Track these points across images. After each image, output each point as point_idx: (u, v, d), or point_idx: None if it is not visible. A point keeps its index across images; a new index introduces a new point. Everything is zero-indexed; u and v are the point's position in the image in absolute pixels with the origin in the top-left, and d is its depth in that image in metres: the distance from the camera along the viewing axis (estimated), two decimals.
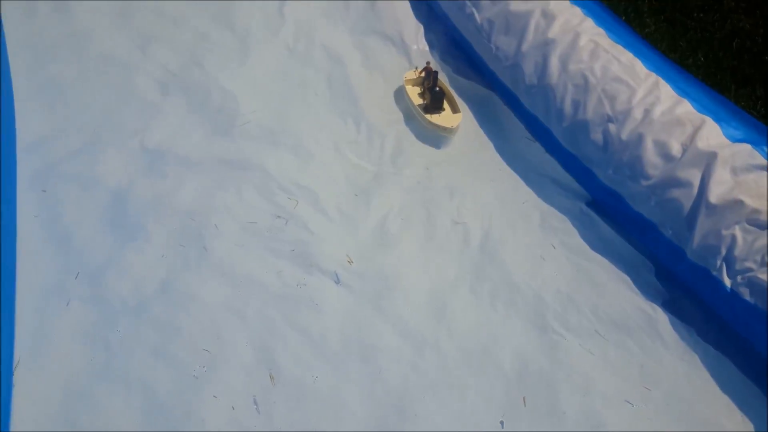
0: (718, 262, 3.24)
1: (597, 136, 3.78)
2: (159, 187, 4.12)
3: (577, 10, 4.16)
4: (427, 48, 5.09)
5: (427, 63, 4.52)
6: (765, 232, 3.11)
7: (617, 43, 3.96)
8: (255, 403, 3.21)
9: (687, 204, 3.37)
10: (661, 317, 3.50)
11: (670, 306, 3.55)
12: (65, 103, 4.56)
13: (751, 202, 3.16)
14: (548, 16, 4.19)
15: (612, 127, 3.71)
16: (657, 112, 3.58)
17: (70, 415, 3.13)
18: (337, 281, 3.66)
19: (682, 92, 3.63)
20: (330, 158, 4.35)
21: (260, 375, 3.31)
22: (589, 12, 4.16)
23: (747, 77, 4.72)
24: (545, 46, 4.12)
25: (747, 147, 3.30)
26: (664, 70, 3.80)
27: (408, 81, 4.60)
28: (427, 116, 4.35)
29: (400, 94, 4.75)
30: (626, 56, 3.85)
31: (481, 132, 4.51)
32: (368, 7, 5.38)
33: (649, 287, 3.65)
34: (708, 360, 3.34)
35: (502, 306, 3.63)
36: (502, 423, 3.14)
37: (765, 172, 3.22)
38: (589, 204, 4.02)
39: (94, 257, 3.77)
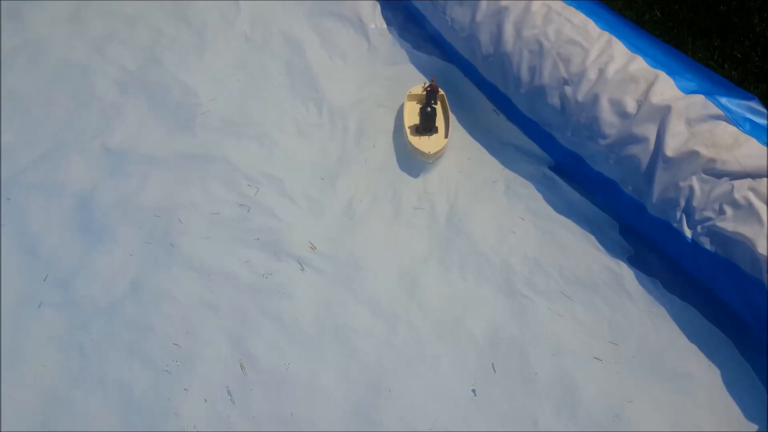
0: (678, 214, 3.26)
1: (554, 100, 3.78)
2: (123, 187, 4.11)
3: None
4: (384, 26, 5.06)
5: (432, 80, 4.26)
6: (721, 180, 3.13)
7: (569, 4, 3.94)
8: (229, 393, 3.24)
9: (644, 159, 3.39)
10: (626, 273, 3.53)
11: (635, 261, 3.58)
12: (25, 113, 4.53)
13: (706, 152, 3.18)
14: None
15: (568, 89, 3.72)
16: (611, 70, 3.58)
17: (51, 422, 3.16)
18: (302, 268, 3.67)
19: (636, 48, 3.62)
20: (294, 144, 4.34)
21: (234, 366, 3.34)
22: None
23: (703, 28, 4.72)
24: (498, 14, 4.10)
25: (701, 98, 3.30)
26: (617, 28, 3.78)
27: (411, 96, 4.39)
28: (410, 137, 4.12)
29: (361, 77, 4.72)
30: (579, 17, 3.84)
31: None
32: None
33: (614, 245, 3.67)
34: (674, 311, 3.38)
35: (472, 276, 3.65)
36: (474, 391, 3.18)
37: (719, 121, 3.23)
38: (552, 168, 4.03)
39: (63, 262, 3.77)
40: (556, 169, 4.00)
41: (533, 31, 3.91)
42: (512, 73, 3.99)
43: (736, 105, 3.28)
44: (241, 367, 3.28)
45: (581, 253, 3.66)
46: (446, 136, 4.13)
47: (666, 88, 3.40)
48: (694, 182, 3.20)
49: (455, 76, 4.62)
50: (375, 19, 5.09)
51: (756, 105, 3.31)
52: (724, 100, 3.28)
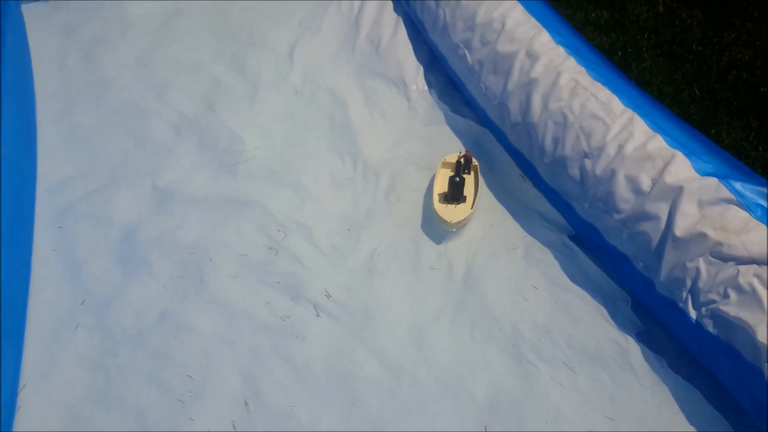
0: (684, 294, 3.29)
1: (574, 171, 3.89)
2: (165, 224, 4.41)
3: (561, 50, 4.30)
4: (426, 88, 5.30)
5: (467, 150, 4.42)
6: (728, 264, 3.15)
7: (597, 80, 4.07)
8: (233, 427, 3.40)
9: (655, 237, 3.44)
10: (633, 348, 3.55)
11: (643, 337, 3.60)
12: (86, 148, 4.94)
13: (714, 234, 3.22)
14: (532, 57, 4.34)
15: (588, 162, 3.82)
16: (629, 147, 3.67)
17: None
18: (317, 313, 3.84)
19: (657, 127, 3.71)
20: (327, 195, 4.57)
21: (242, 401, 3.51)
22: (572, 51, 4.29)
23: (741, 109, 4.76)
24: (528, 85, 4.27)
25: (714, 181, 3.35)
26: (641, 106, 3.88)
27: (446, 164, 4.50)
28: (436, 204, 4.23)
29: (398, 135, 4.95)
30: (604, 93, 3.96)
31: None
32: (372, 50, 5.64)
33: (625, 319, 3.70)
34: (678, 391, 3.37)
35: (481, 337, 3.74)
36: None
37: (731, 205, 3.27)
38: (572, 237, 4.11)
39: (102, 289, 4.06)
40: (575, 238, 4.08)
41: (559, 103, 4.05)
42: (537, 143, 4.13)
43: (749, 190, 3.31)
44: (246, 404, 3.44)
45: (591, 324, 3.70)
46: (472, 206, 4.22)
47: (681, 169, 3.47)
48: (701, 264, 3.23)
49: (488, 140, 4.79)
50: (417, 81, 5.34)
51: None
52: (738, 185, 3.32)
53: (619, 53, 5.20)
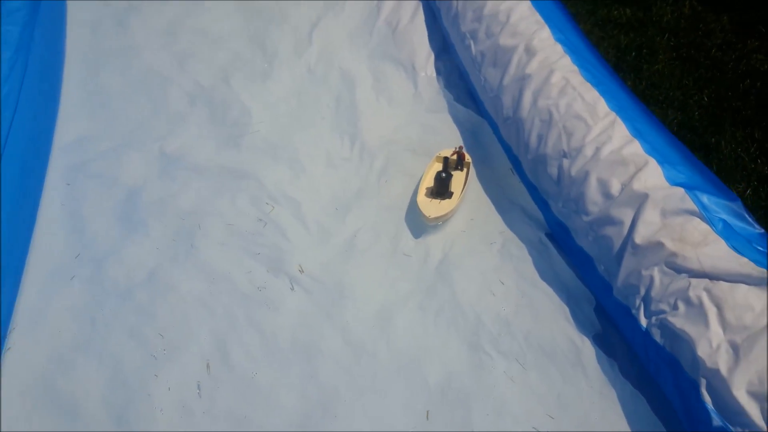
0: (637, 302, 3.32)
1: (553, 170, 3.92)
2: (167, 188, 4.65)
3: (558, 48, 4.30)
4: (434, 75, 5.37)
5: (459, 147, 4.44)
6: (681, 275, 3.17)
7: (589, 80, 4.07)
8: (198, 387, 3.61)
9: (617, 242, 3.47)
10: (587, 349, 3.60)
11: (599, 340, 3.64)
12: (106, 110, 5.22)
13: (671, 245, 3.23)
14: (530, 52, 4.36)
15: (565, 162, 3.85)
16: (606, 150, 3.69)
17: (48, 378, 3.66)
18: (292, 287, 4.02)
19: (637, 132, 3.71)
20: (320, 173, 4.72)
21: (212, 363, 3.72)
22: (570, 49, 4.29)
23: (748, 119, 4.67)
24: (522, 80, 4.30)
25: (680, 191, 3.35)
26: (627, 110, 3.87)
27: (439, 158, 4.50)
28: (419, 196, 4.26)
29: (399, 120, 5.05)
30: (591, 94, 3.97)
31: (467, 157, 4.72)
32: (389, 33, 5.73)
33: (585, 320, 3.75)
34: (624, 397, 3.41)
35: (444, 324, 3.85)
36: None
37: (693, 217, 3.27)
38: (548, 235, 4.16)
39: (100, 245, 4.32)
40: (551, 236, 4.12)
41: (547, 101, 4.08)
42: (524, 138, 4.18)
43: (716, 203, 3.31)
44: (208, 366, 3.65)
45: (552, 322, 3.76)
46: (455, 204, 4.26)
47: (651, 176, 3.47)
48: (656, 273, 3.25)
49: (485, 132, 4.85)
50: (427, 67, 5.41)
51: (737, 207, 3.32)
52: (704, 198, 3.31)
53: (633, 53, 5.14)
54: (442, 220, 4.20)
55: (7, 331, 3.79)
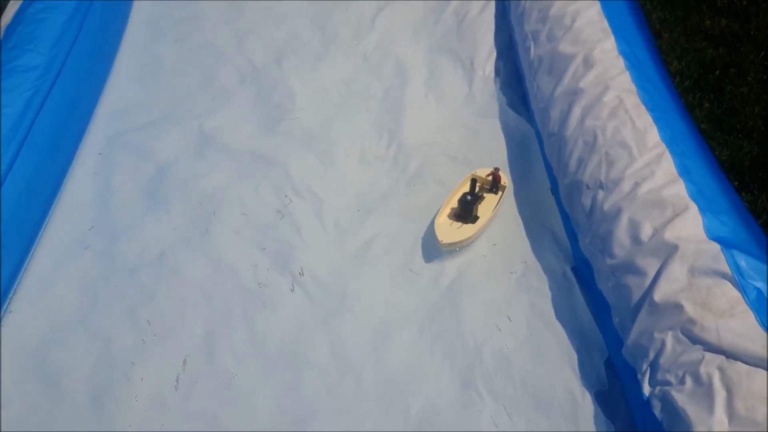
0: (645, 366, 2.89)
1: (587, 200, 3.50)
2: (195, 168, 4.59)
3: (620, 62, 3.82)
4: (492, 74, 4.97)
5: (496, 169, 4.02)
6: (695, 346, 2.72)
7: (646, 102, 3.59)
8: (177, 380, 3.53)
9: (636, 294, 3.03)
10: (587, 406, 3.20)
11: (601, 397, 3.22)
12: (156, 81, 5.22)
13: (691, 309, 2.77)
14: (588, 63, 3.91)
15: (600, 194, 3.42)
16: (645, 188, 3.23)
17: (41, 347, 3.69)
18: (293, 288, 3.84)
19: (684, 170, 3.22)
20: (350, 170, 4.49)
21: (194, 355, 3.62)
22: (632, 64, 3.80)
23: None
24: (574, 94, 3.86)
25: (716, 248, 2.86)
26: (680, 142, 3.38)
27: (475, 176, 4.06)
28: (438, 216, 3.91)
29: (444, 121, 4.72)
30: (644, 120, 3.49)
31: (507, 171, 4.34)
32: (455, 25, 5.37)
33: (592, 372, 3.33)
34: None
35: (440, 352, 3.55)
36: None
37: (724, 281, 2.80)
38: (574, 269, 3.74)
39: (121, 219, 4.33)
40: (577, 271, 3.71)
41: (595, 122, 3.65)
42: (564, 159, 3.77)
43: (755, 268, 2.80)
44: (184, 362, 3.55)
45: (555, 368, 3.38)
46: (474, 231, 3.85)
47: (688, 225, 3.01)
48: (669, 338, 2.81)
49: (532, 143, 4.45)
50: (486, 66, 5.03)
51: None
52: (743, 260, 2.81)
53: (718, 71, 4.52)
54: (458, 246, 3.84)
55: (9, 294, 3.85)
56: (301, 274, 3.88)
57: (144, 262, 4.09)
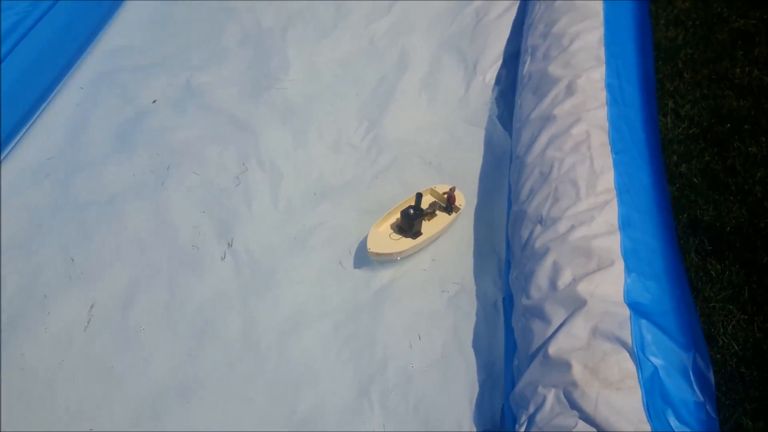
0: (523, 418, 2.72)
1: (525, 232, 3.31)
2: (172, 119, 4.57)
3: (603, 95, 3.59)
4: (492, 82, 4.76)
5: (451, 189, 3.79)
6: (571, 412, 2.55)
7: (614, 143, 3.36)
8: (88, 322, 3.52)
9: (537, 342, 2.85)
10: None
11: None
12: (160, 29, 5.20)
13: (578, 372, 2.58)
14: (570, 90, 3.68)
15: (537, 229, 3.22)
16: (579, 233, 3.02)
17: None
18: (223, 257, 3.79)
19: (626, 223, 2.98)
20: (319, 152, 4.39)
21: (112, 304, 3.61)
22: (615, 99, 3.56)
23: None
24: (547, 120, 3.64)
25: (626, 314, 2.65)
26: (636, 193, 3.15)
27: (433, 192, 3.89)
28: (376, 223, 3.71)
29: (428, 122, 4.55)
30: (604, 161, 3.26)
31: (475, 186, 4.17)
32: (471, 24, 5.17)
33: (489, 410, 3.16)
34: None
35: (347, 354, 3.43)
36: None
37: (622, 350, 2.60)
38: (504, 300, 3.57)
39: (86, 155, 4.36)
40: (505, 304, 3.53)
41: (556, 153, 3.44)
42: (519, 185, 3.58)
43: (662, 344, 2.59)
44: (91, 307, 3.54)
45: (453, 399, 3.21)
46: (406, 247, 3.63)
47: (606, 282, 2.80)
48: (550, 396, 2.63)
49: (506, 163, 4.24)
50: (488, 72, 4.83)
51: (688, 360, 2.59)
52: (650, 334, 2.60)
53: (729, 125, 4.21)
54: (383, 259, 3.66)
55: None
56: (230, 245, 3.81)
57: (93, 201, 4.11)
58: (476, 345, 3.43)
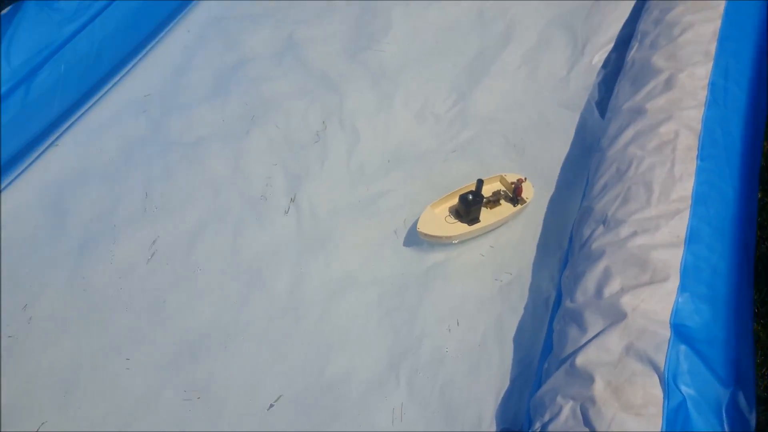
0: (538, 425, 2.58)
1: (587, 230, 3.08)
2: (268, 71, 4.71)
3: (703, 94, 3.24)
4: (599, 66, 4.44)
5: (519, 180, 3.58)
6: (583, 428, 2.38)
7: (702, 147, 3.04)
8: (151, 255, 3.71)
9: (569, 349, 2.66)
10: None
11: None
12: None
13: (600, 388, 2.39)
14: (668, 85, 3.35)
15: (599, 229, 3.00)
16: (639, 240, 2.77)
17: (63, 187, 4.06)
18: (287, 210, 3.84)
19: (694, 237, 2.69)
20: (404, 119, 4.31)
21: (176, 242, 3.78)
22: (716, 101, 3.20)
23: None
24: (637, 113, 3.35)
25: (666, 336, 2.41)
26: (715, 206, 2.84)
27: (503, 180, 3.69)
28: (432, 204, 3.53)
29: (524, 96, 4.33)
30: (685, 167, 2.95)
31: (556, 174, 3.94)
32: (591, 1, 4.83)
33: (513, 408, 3.02)
34: None
35: (388, 325, 3.39)
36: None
37: (653, 374, 2.38)
38: (557, 297, 3.36)
39: (184, 95, 4.60)
40: (555, 301, 3.33)
41: (638, 150, 3.17)
42: (595, 179, 3.34)
43: (697, 376, 2.35)
44: (154, 242, 3.71)
45: (479, 390, 3.09)
46: (458, 233, 3.47)
47: (655, 298, 2.56)
48: (567, 409, 2.46)
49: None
50: (596, 54, 4.54)
51: (725, 395, 2.34)
52: (687, 362, 2.37)
53: None
54: (433, 241, 3.51)
55: (58, 130, 4.23)
56: (293, 200, 3.85)
57: (180, 142, 4.29)
58: (517, 340, 3.27)
